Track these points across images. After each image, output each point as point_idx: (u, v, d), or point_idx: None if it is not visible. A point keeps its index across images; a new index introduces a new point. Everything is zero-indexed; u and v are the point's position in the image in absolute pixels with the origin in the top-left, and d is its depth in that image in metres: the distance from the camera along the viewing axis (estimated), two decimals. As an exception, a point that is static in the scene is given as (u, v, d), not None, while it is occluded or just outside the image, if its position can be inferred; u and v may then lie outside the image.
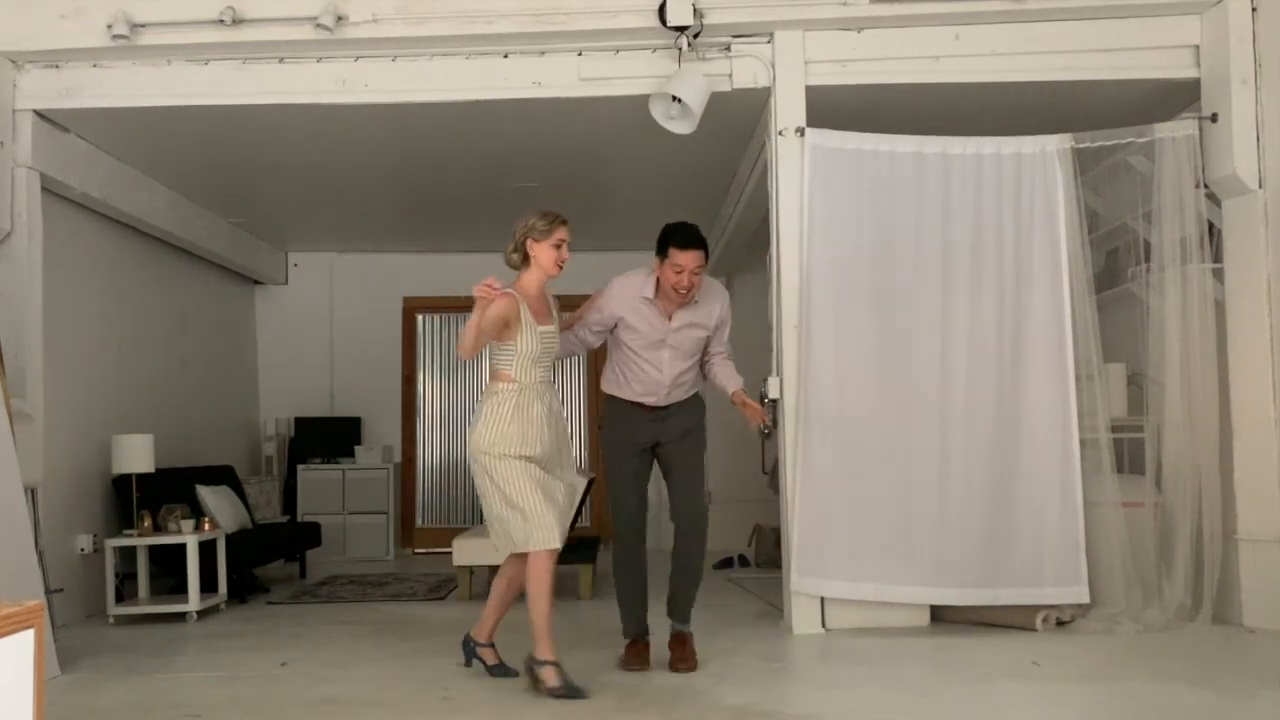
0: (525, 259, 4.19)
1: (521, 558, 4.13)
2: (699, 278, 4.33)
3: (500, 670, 4.35)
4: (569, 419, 10.06)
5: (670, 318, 4.41)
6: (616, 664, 4.50)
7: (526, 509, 4.01)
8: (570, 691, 3.94)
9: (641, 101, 5.32)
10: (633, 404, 4.50)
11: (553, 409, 4.18)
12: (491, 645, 4.41)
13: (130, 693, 4.28)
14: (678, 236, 4.29)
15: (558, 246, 4.16)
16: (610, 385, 4.57)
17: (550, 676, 3.99)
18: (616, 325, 4.46)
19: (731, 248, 8.28)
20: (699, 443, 4.55)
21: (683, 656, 4.43)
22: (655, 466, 4.61)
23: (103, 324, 6.79)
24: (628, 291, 4.42)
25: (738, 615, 5.82)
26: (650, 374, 4.44)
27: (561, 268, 4.20)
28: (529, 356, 4.10)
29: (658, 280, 4.38)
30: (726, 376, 4.57)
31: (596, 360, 9.34)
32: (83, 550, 6.19)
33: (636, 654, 4.49)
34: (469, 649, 4.43)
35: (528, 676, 4.12)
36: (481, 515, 10.02)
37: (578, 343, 4.57)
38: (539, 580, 4.02)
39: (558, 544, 4.03)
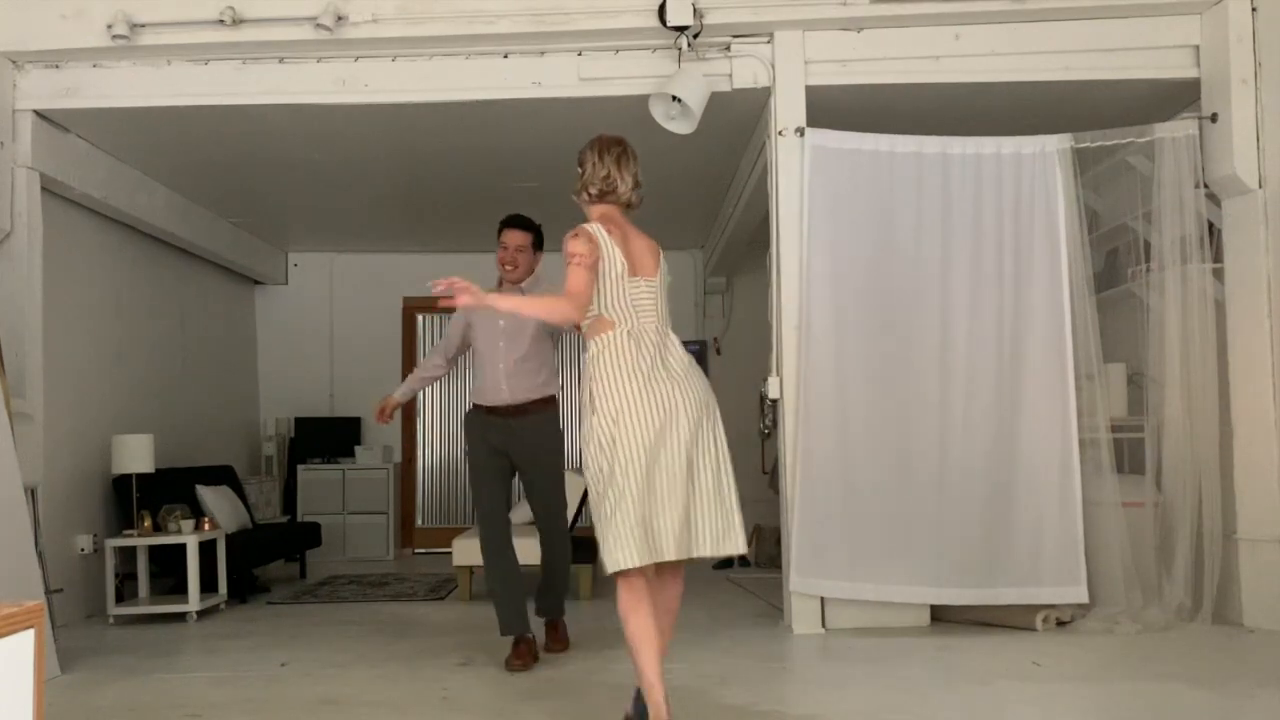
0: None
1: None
2: (522, 257, 4.82)
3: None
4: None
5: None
6: (505, 665, 4.54)
7: None
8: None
9: (641, 101, 5.32)
10: (488, 413, 4.82)
11: None
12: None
13: (130, 693, 4.28)
14: (505, 220, 4.89)
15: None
16: (474, 396, 4.95)
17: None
18: (467, 332, 4.96)
19: (731, 248, 8.28)
20: (554, 464, 4.88)
21: (556, 638, 4.92)
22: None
23: (103, 324, 6.79)
24: None
25: (738, 615, 5.82)
26: (489, 367, 4.80)
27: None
28: None
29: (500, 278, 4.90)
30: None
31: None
32: (83, 550, 6.19)
33: (519, 653, 4.60)
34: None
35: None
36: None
37: (440, 363, 5.14)
38: None
39: None
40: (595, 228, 3.27)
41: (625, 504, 3.08)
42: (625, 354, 3.18)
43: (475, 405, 4.90)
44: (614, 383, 3.15)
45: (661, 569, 3.27)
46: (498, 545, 4.79)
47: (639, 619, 3.08)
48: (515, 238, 4.83)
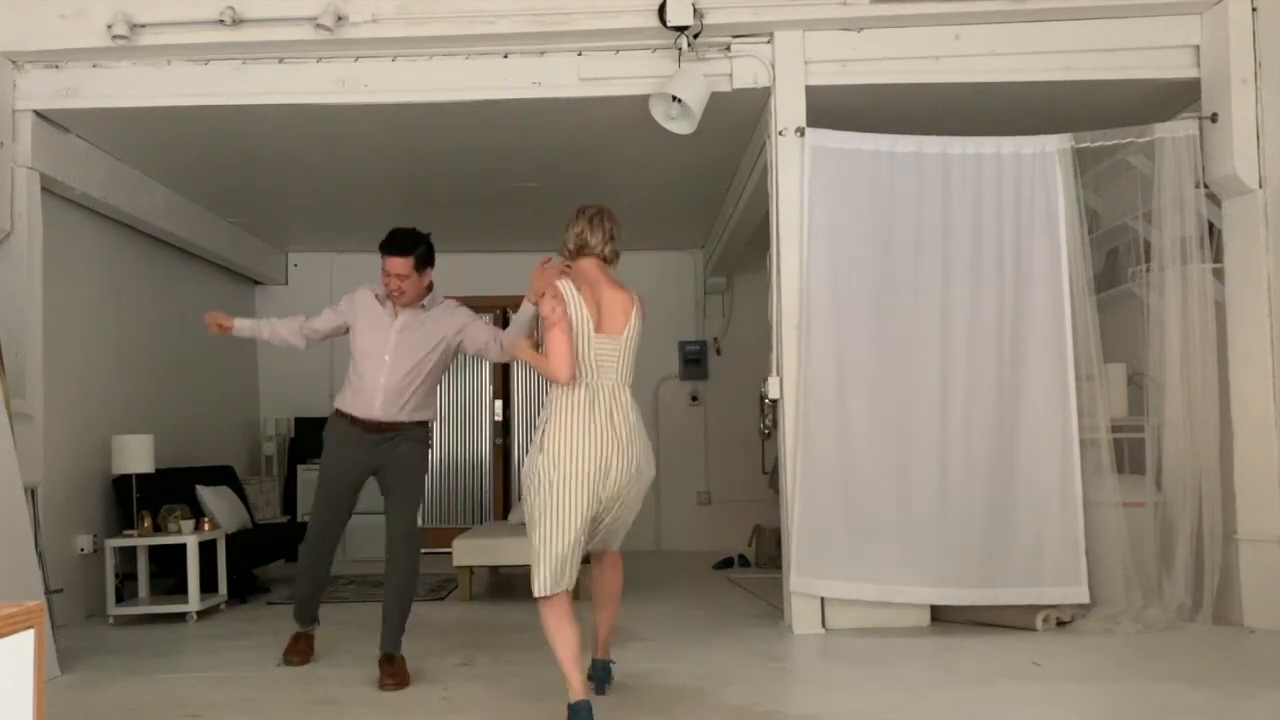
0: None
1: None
2: (407, 284, 4.42)
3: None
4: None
5: (396, 315, 4.52)
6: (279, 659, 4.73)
7: None
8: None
9: (641, 101, 5.32)
10: (352, 424, 4.50)
11: None
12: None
13: (130, 693, 4.28)
14: (384, 244, 4.45)
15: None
16: (338, 399, 4.62)
17: None
18: (349, 330, 4.60)
19: (731, 248, 8.28)
20: (417, 465, 4.56)
21: (390, 674, 4.28)
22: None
23: (103, 324, 6.79)
24: (359, 295, 4.64)
25: (738, 615, 5.82)
26: (368, 378, 4.46)
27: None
28: None
29: None
30: (505, 333, 4.46)
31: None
32: (83, 550, 6.19)
33: (298, 648, 4.75)
34: (608, 673, 4.10)
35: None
36: (481, 516, 10.04)
37: (294, 333, 4.71)
38: None
39: None
40: (565, 285, 3.72)
41: (553, 540, 3.55)
42: (579, 411, 3.61)
43: (340, 413, 4.56)
44: (564, 434, 3.58)
45: (600, 561, 3.99)
46: (318, 565, 4.72)
47: (561, 637, 3.56)
48: (396, 265, 4.41)
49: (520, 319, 4.23)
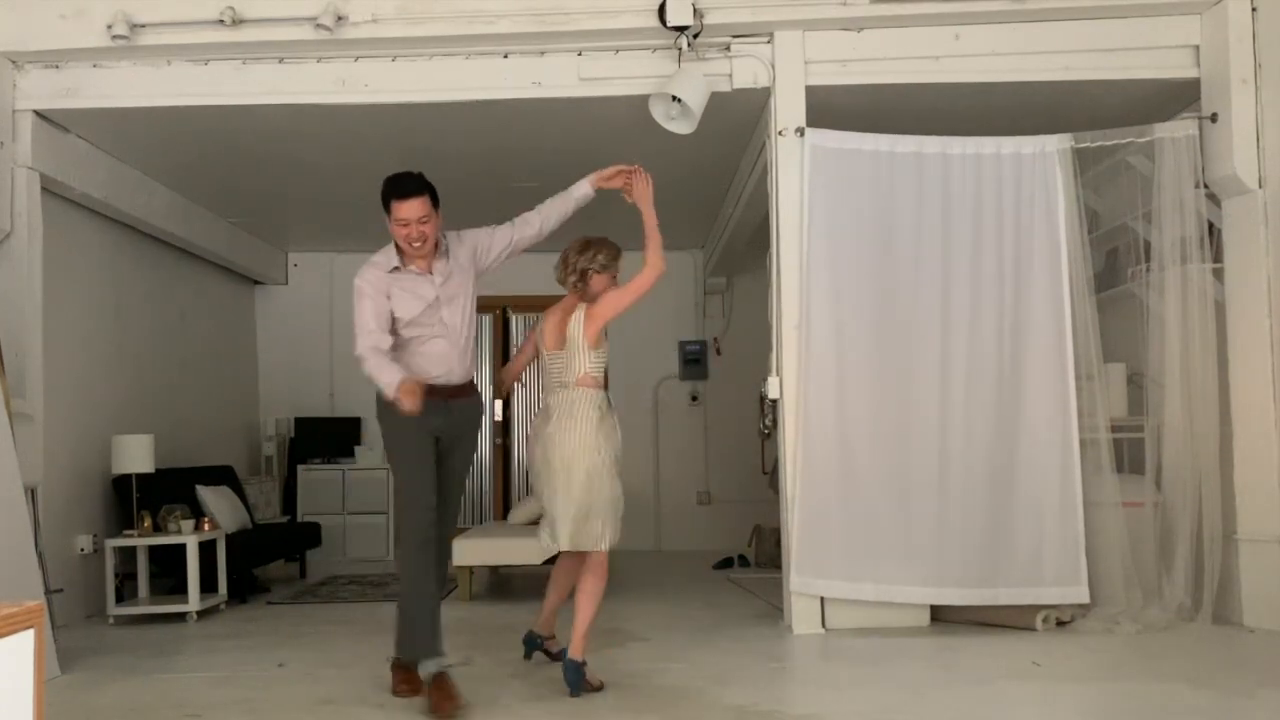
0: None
1: (583, 555, 4.31)
2: (429, 226, 4.01)
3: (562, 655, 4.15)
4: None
5: (432, 272, 4.12)
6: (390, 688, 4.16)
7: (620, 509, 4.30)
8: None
9: (641, 101, 5.33)
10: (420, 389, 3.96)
11: None
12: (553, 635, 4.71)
13: (130, 693, 4.28)
14: (392, 191, 4.02)
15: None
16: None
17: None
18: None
19: (731, 248, 8.28)
20: (472, 448, 4.36)
21: (404, 680, 4.04)
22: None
23: (103, 324, 6.79)
24: (372, 278, 4.16)
25: (738, 615, 5.82)
26: (438, 345, 4.11)
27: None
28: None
29: (397, 246, 4.11)
30: (559, 199, 4.48)
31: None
32: (83, 550, 6.19)
33: (443, 694, 3.85)
34: (534, 643, 4.70)
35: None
36: (481, 516, 10.03)
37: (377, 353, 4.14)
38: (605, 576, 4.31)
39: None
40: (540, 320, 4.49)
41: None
42: (542, 417, 4.39)
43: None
44: (534, 427, 4.43)
45: (574, 556, 4.40)
46: (428, 568, 4.02)
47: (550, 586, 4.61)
48: (414, 209, 3.96)
49: (569, 193, 4.51)
